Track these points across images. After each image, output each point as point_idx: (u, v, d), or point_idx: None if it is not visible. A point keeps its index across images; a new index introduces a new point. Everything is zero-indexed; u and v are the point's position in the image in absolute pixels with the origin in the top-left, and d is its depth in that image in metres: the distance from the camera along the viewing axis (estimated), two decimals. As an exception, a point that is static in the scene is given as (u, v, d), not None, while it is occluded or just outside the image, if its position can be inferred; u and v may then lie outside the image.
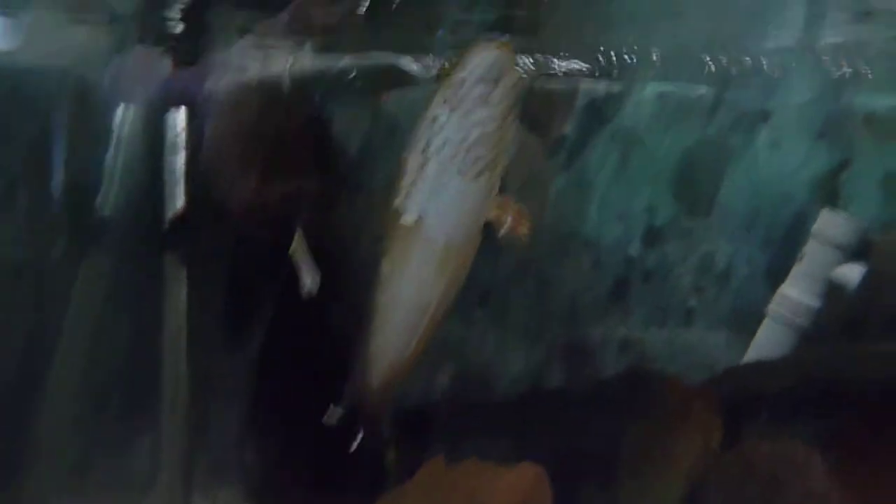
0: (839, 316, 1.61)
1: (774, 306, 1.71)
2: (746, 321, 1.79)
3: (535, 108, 1.79)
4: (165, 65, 1.55)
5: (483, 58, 0.95)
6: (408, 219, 1.00)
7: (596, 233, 1.82)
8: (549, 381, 1.71)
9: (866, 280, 1.57)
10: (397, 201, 1.02)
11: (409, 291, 1.04)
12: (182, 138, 1.56)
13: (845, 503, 1.19)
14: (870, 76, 1.69)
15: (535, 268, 1.82)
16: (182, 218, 1.54)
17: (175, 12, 1.56)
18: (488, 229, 1.08)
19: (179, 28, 1.54)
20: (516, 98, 0.99)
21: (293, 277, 1.41)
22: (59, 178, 1.51)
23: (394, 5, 1.09)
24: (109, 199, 1.57)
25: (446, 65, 0.96)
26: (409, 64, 1.55)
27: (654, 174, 1.82)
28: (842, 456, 1.23)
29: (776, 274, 1.80)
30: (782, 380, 1.39)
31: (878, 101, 1.81)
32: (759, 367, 1.50)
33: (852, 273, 1.63)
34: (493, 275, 1.79)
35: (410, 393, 1.68)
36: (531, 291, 1.82)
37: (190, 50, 1.53)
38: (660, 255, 1.83)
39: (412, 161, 1.00)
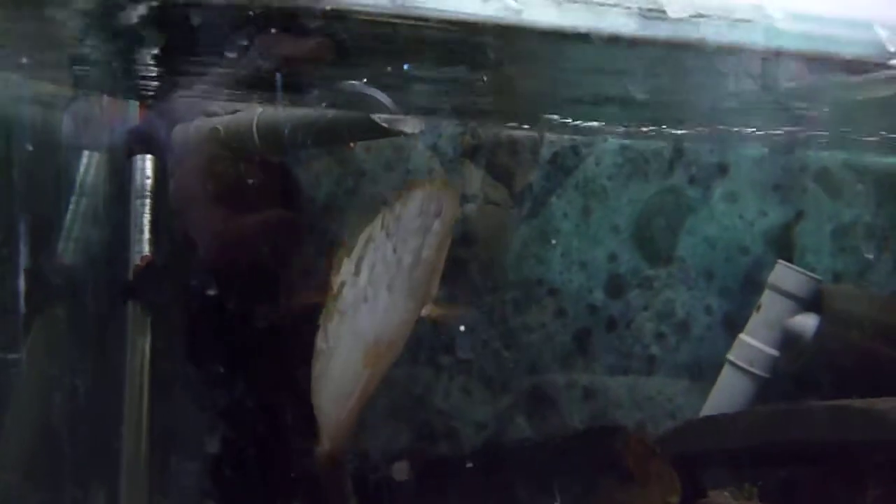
0: (796, 364, 1.66)
1: (734, 354, 1.76)
2: (706, 369, 1.84)
3: (500, 158, 1.83)
4: (132, 111, 1.55)
5: (424, 196, 1.00)
6: (341, 308, 1.04)
7: (560, 281, 1.85)
8: (514, 432, 1.72)
9: (820, 329, 1.62)
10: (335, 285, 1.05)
11: (336, 373, 1.07)
12: (148, 185, 1.55)
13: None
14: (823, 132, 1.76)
15: (500, 316, 1.84)
16: (147, 266, 1.53)
17: (144, 58, 1.57)
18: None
19: (147, 74, 1.55)
20: (453, 228, 1.04)
21: (258, 330, 1.41)
22: (20, 226, 1.49)
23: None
24: (70, 246, 1.55)
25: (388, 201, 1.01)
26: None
27: (615, 224, 1.87)
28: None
29: (734, 322, 1.85)
30: (739, 434, 1.42)
31: (830, 155, 1.90)
32: (716, 421, 1.53)
33: (808, 322, 1.69)
34: (457, 323, 1.81)
35: (374, 449, 1.68)
36: (496, 340, 1.84)
37: (157, 96, 1.54)
38: (622, 303, 1.87)
39: (346, 266, 1.04)
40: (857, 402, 1.28)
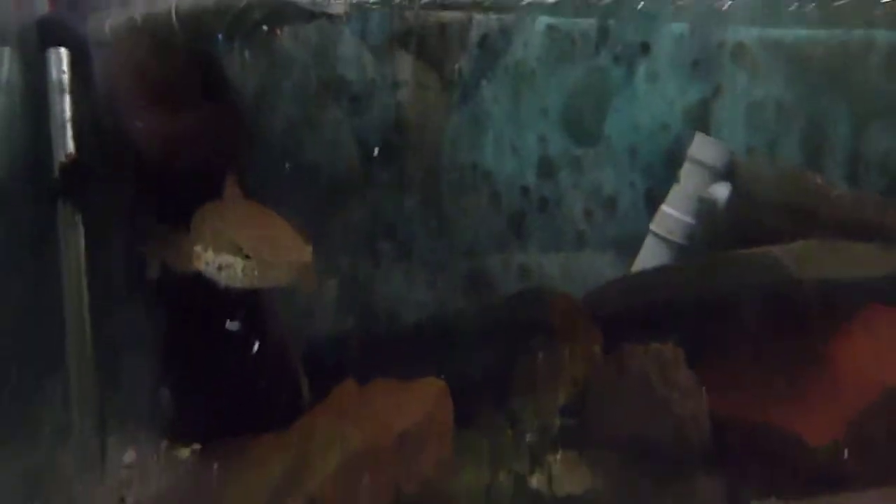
0: (710, 231, 1.78)
1: (655, 225, 1.87)
2: (632, 241, 1.95)
3: (429, 43, 1.83)
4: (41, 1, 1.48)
5: None
6: None
7: (492, 164, 1.90)
8: (452, 309, 1.80)
9: (732, 198, 1.73)
10: None
11: None
12: (65, 80, 1.50)
13: (707, 394, 1.36)
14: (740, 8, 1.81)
15: (436, 202, 1.89)
16: (73, 163, 1.50)
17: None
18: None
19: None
20: None
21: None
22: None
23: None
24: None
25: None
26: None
27: (544, 106, 1.91)
28: (705, 354, 1.39)
29: (657, 196, 1.95)
30: (654, 291, 1.53)
31: (747, 32, 1.96)
32: (634, 280, 1.64)
33: (721, 191, 1.80)
34: (396, 211, 1.85)
35: (321, 328, 1.74)
36: (433, 225, 1.89)
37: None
38: (552, 184, 1.94)
39: None
40: (757, 250, 1.40)
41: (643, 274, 1.68)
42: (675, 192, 1.85)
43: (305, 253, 1.16)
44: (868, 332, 1.41)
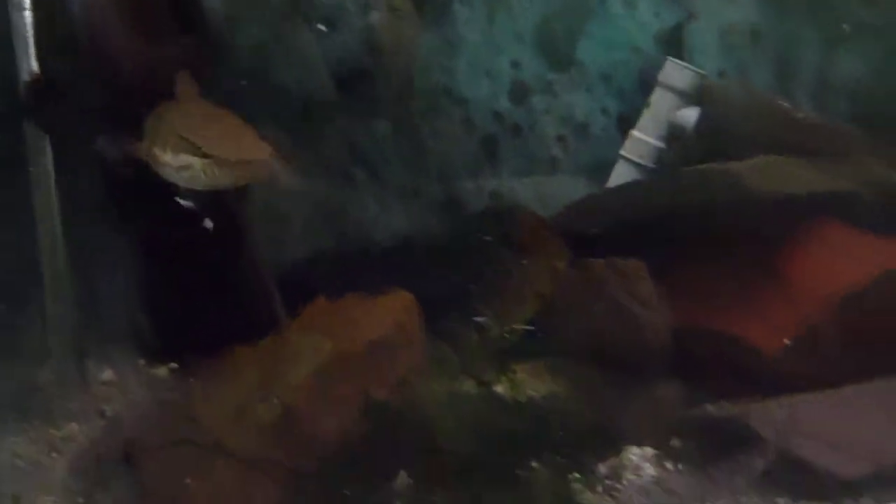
0: (679, 155, 1.80)
1: (626, 149, 1.89)
2: (604, 166, 1.97)
3: (402, -35, 1.79)
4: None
5: None
6: None
7: (465, 89, 1.89)
8: (425, 231, 1.82)
9: (700, 121, 1.76)
10: None
11: None
12: (26, -1, 1.46)
13: (667, 305, 1.41)
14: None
15: (409, 127, 1.89)
16: (38, 83, 1.48)
17: None
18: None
19: None
20: None
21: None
22: None
23: None
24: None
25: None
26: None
27: (518, 30, 1.89)
28: (667, 267, 1.44)
29: (628, 122, 1.96)
30: (619, 208, 1.57)
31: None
32: (599, 198, 1.67)
33: (690, 115, 1.82)
34: (369, 136, 1.85)
35: (296, 250, 1.76)
36: (406, 150, 1.90)
37: None
38: (525, 109, 1.94)
39: None
40: (717, 165, 1.44)
41: (608, 193, 1.71)
42: (646, 117, 1.87)
43: (263, 150, 1.15)
44: (821, 244, 1.46)
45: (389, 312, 1.26)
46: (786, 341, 1.37)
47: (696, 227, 1.45)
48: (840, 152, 1.60)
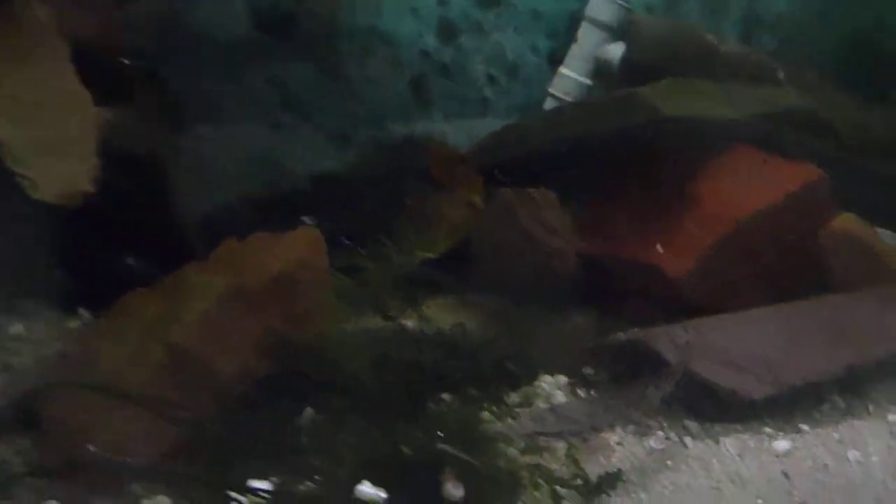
0: (605, 91, 1.79)
1: (554, 87, 1.87)
2: (535, 105, 1.95)
3: None
4: None
5: None
6: None
7: (391, 28, 1.85)
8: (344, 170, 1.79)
9: (625, 56, 1.74)
10: None
11: None
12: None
13: (578, 233, 1.41)
14: None
15: (336, 68, 1.84)
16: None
17: None
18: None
19: None
20: None
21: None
22: None
23: None
24: None
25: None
26: None
27: (443, -35, 1.85)
28: (578, 196, 1.44)
29: (559, 60, 1.94)
30: (532, 139, 1.55)
31: None
32: (513, 129, 1.66)
33: (616, 51, 1.80)
34: (295, 78, 1.80)
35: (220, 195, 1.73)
36: (334, 92, 1.86)
37: None
38: (454, 48, 1.90)
39: None
40: (629, 90, 1.42)
41: (522, 123, 1.69)
42: (573, 53, 1.84)
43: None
44: (729, 169, 1.46)
45: (293, 248, 1.24)
46: (690, 266, 1.38)
47: (609, 153, 1.44)
48: (758, 81, 1.60)
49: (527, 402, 1.29)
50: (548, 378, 1.35)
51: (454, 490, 0.99)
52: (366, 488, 0.99)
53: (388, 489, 1.00)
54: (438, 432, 1.03)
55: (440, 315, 1.32)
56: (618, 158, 1.44)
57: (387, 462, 1.00)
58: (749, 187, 1.41)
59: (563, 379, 1.35)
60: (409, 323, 1.29)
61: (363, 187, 1.47)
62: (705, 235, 1.37)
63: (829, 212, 1.45)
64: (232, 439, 1.13)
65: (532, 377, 1.33)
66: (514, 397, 1.30)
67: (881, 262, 1.44)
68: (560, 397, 1.31)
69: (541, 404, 1.30)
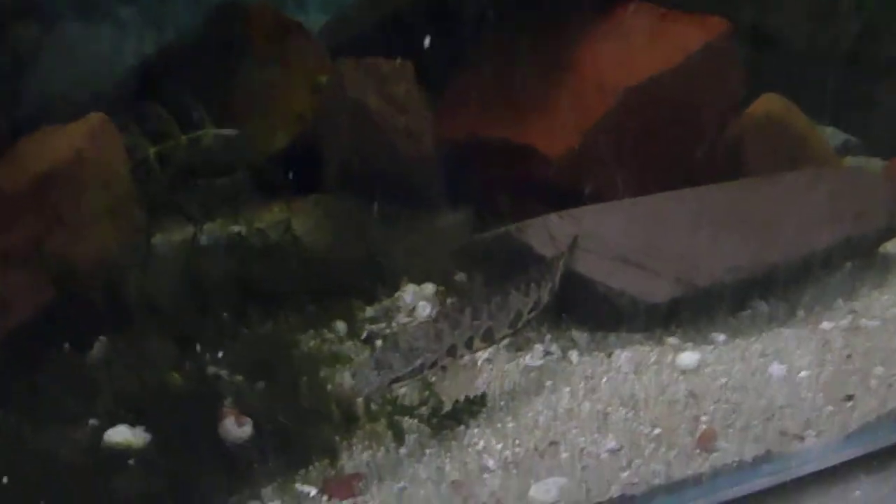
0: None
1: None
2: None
3: None
4: None
5: None
6: None
7: None
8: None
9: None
10: None
11: None
12: None
13: (446, 114, 1.15)
14: None
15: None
16: None
17: None
18: None
19: None
20: None
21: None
22: None
23: None
24: None
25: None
26: None
27: None
28: (442, 69, 1.18)
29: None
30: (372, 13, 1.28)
31: None
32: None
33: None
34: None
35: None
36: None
37: None
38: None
39: None
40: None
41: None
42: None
43: None
44: (617, 32, 1.19)
45: (68, 141, 0.99)
46: (569, 144, 1.12)
47: (462, 19, 1.15)
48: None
49: (386, 317, 1.07)
50: (412, 287, 1.13)
51: (234, 429, 0.78)
52: (118, 431, 0.78)
53: (153, 431, 0.78)
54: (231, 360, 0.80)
55: (274, 220, 1.08)
56: (482, 23, 1.15)
57: (152, 398, 0.79)
58: (642, 49, 1.13)
59: (429, 288, 1.13)
60: (236, 230, 1.05)
61: (181, 69, 1.18)
62: (589, 108, 1.11)
63: (738, 75, 1.19)
64: (19, 376, 0.92)
65: (392, 287, 1.11)
66: (369, 311, 1.08)
67: (806, 147, 1.20)
68: (425, 309, 1.09)
69: (403, 318, 1.08)
